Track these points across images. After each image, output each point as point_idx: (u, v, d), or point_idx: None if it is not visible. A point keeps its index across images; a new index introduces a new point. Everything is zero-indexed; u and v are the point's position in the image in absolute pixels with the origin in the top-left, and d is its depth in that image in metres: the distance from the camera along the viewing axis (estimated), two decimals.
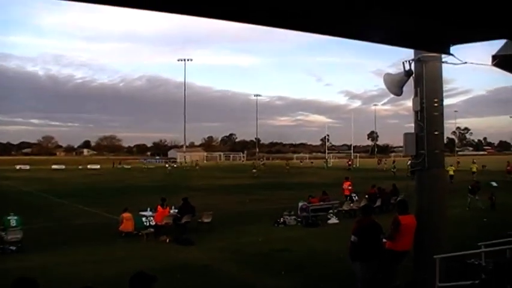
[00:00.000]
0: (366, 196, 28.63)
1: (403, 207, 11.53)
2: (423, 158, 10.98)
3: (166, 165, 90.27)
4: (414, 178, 11.86)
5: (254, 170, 73.66)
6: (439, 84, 11.23)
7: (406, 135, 11.58)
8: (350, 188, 31.92)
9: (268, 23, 6.77)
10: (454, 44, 9.20)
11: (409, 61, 11.03)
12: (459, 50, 9.54)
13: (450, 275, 10.58)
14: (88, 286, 5.10)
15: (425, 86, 10.97)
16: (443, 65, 11.08)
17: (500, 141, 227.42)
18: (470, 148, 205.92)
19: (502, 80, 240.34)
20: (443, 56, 10.61)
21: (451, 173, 52.28)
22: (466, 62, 10.15)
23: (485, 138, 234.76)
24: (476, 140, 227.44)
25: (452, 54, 9.52)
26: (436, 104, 11.01)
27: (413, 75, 11.13)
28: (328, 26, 7.20)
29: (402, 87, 11.22)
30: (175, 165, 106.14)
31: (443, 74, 11.32)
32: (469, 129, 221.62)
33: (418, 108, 11.10)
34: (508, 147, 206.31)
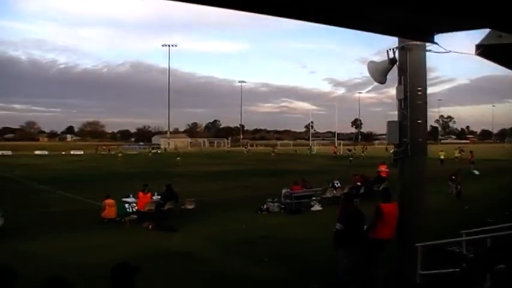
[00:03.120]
0: (358, 183, 28.85)
1: (386, 195, 11.57)
2: (406, 146, 11.01)
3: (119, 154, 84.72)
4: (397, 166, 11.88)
5: (178, 158, 69.95)
6: (423, 72, 11.23)
7: (389, 123, 11.59)
8: (387, 170, 32.38)
9: (264, 10, 6.72)
10: (438, 32, 9.18)
11: (393, 49, 11.01)
12: (443, 39, 9.53)
13: (432, 263, 10.65)
14: (57, 277, 4.94)
15: (409, 75, 10.96)
16: (428, 53, 11.10)
17: (483, 130, 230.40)
18: (453, 136, 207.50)
19: (484, 69, 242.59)
20: (427, 44, 10.59)
21: (442, 157, 57.71)
22: (450, 51, 10.12)
23: (467, 127, 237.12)
24: (459, 129, 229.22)
25: (436, 43, 9.49)
26: (419, 93, 11.02)
27: (397, 63, 11.12)
28: (311, 13, 7.14)
29: (386, 75, 11.21)
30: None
31: (427, 62, 11.35)
32: (452, 118, 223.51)
33: (402, 96, 11.09)
34: (489, 136, 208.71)
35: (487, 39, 10.05)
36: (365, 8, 6.97)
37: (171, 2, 5.91)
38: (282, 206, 24.66)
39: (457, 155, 64.37)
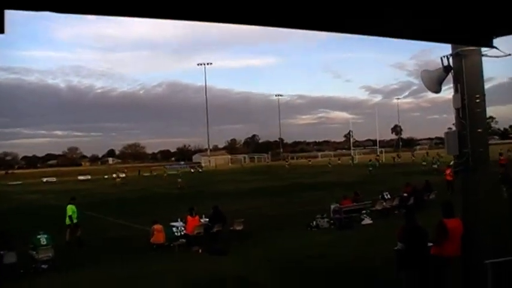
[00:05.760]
0: (404, 194, 28.13)
1: (448, 210, 10.89)
2: (467, 157, 10.39)
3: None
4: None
5: (179, 180, 63.32)
6: (480, 79, 10.59)
7: (447, 134, 10.98)
8: (451, 174, 32.17)
9: (296, 25, 6.37)
10: (497, 36, 8.66)
11: (447, 56, 10.44)
12: (499, 41, 8.99)
13: (504, 281, 10.00)
14: None
15: (466, 82, 10.36)
16: None
17: None
18: (497, 137, 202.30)
19: None
20: (483, 49, 10.02)
21: None
22: (510, 54, 9.55)
23: (511, 126, 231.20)
24: (502, 129, 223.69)
25: (495, 47, 8.95)
26: (477, 100, 10.38)
27: (452, 71, 10.56)
28: (363, 25, 6.75)
29: (441, 84, 10.62)
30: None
31: None
32: (494, 118, 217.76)
33: (459, 105, 10.47)
34: None
35: None
36: (418, 19, 6.58)
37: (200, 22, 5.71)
38: (332, 221, 24.10)
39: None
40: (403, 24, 6.93)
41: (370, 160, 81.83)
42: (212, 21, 5.64)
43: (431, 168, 60.80)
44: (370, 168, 69.31)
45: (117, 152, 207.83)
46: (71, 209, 24.30)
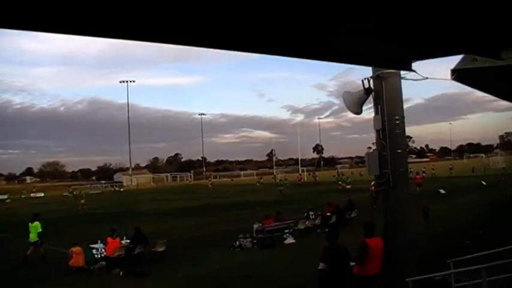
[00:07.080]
0: (328, 214, 28.46)
1: (369, 229, 11.05)
2: (387, 177, 10.62)
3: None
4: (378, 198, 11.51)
5: (82, 201, 59.47)
6: (400, 101, 10.93)
7: (368, 154, 11.26)
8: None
9: (237, 47, 6.36)
10: (416, 60, 8.94)
11: (368, 78, 10.70)
12: (419, 65, 9.29)
13: None
14: None
15: (386, 104, 10.64)
16: None
17: (441, 148, 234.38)
18: (414, 156, 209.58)
19: (436, 88, 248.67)
20: (402, 72, 10.32)
21: None
22: (427, 78, 9.88)
23: (427, 145, 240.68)
24: (418, 148, 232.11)
25: (414, 71, 9.22)
26: (397, 122, 10.70)
27: (373, 92, 10.80)
28: (289, 48, 6.81)
29: (362, 105, 10.89)
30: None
31: None
32: (411, 137, 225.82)
33: (380, 126, 10.74)
34: (448, 153, 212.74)
35: (462, 63, 9.86)
36: (342, 43, 6.71)
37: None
38: (255, 241, 24.05)
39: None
40: (326, 47, 7.02)
41: (280, 180, 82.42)
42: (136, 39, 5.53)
43: (346, 188, 61.89)
44: (281, 188, 68.53)
45: (35, 170, 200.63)
46: (39, 225, 23.86)
